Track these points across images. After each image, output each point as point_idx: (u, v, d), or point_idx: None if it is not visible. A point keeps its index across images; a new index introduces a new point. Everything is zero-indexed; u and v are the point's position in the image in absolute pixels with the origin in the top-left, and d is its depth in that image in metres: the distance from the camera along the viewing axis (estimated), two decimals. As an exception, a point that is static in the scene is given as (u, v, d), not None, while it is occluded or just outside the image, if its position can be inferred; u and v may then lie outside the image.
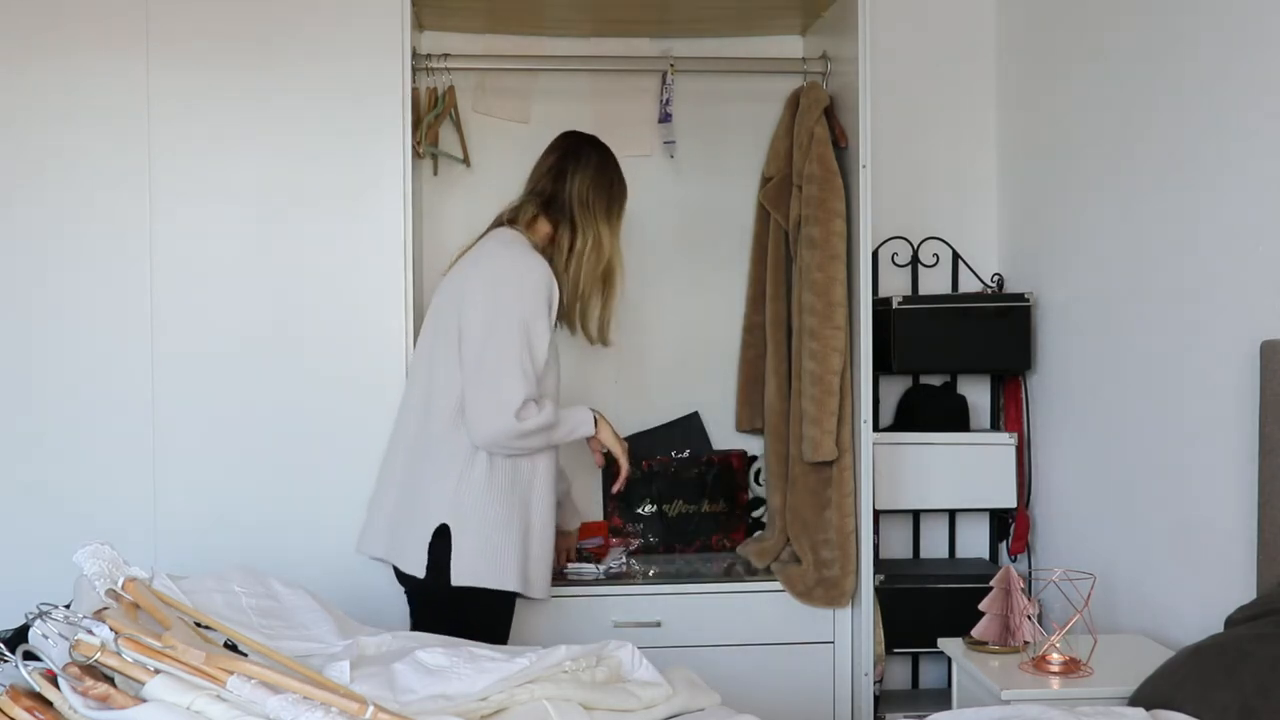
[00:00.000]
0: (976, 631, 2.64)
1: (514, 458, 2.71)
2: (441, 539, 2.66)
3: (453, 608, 2.67)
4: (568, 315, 2.88)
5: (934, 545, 3.64)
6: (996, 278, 3.62)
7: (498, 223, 2.89)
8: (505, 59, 3.49)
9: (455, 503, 2.67)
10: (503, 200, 3.50)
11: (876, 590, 3.19)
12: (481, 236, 2.89)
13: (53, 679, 1.63)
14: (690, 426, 3.58)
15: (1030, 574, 3.39)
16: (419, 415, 2.78)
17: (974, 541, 3.64)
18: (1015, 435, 3.47)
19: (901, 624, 3.26)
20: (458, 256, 2.89)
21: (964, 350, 3.43)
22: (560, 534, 3.04)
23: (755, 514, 3.58)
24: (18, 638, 1.76)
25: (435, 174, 3.48)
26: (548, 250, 2.82)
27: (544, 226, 2.84)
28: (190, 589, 2.18)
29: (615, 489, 3.01)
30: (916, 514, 3.61)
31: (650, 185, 3.60)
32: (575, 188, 2.82)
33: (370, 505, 2.89)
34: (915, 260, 3.62)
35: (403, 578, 2.77)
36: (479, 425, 2.63)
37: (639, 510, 3.48)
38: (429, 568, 2.67)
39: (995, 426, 3.62)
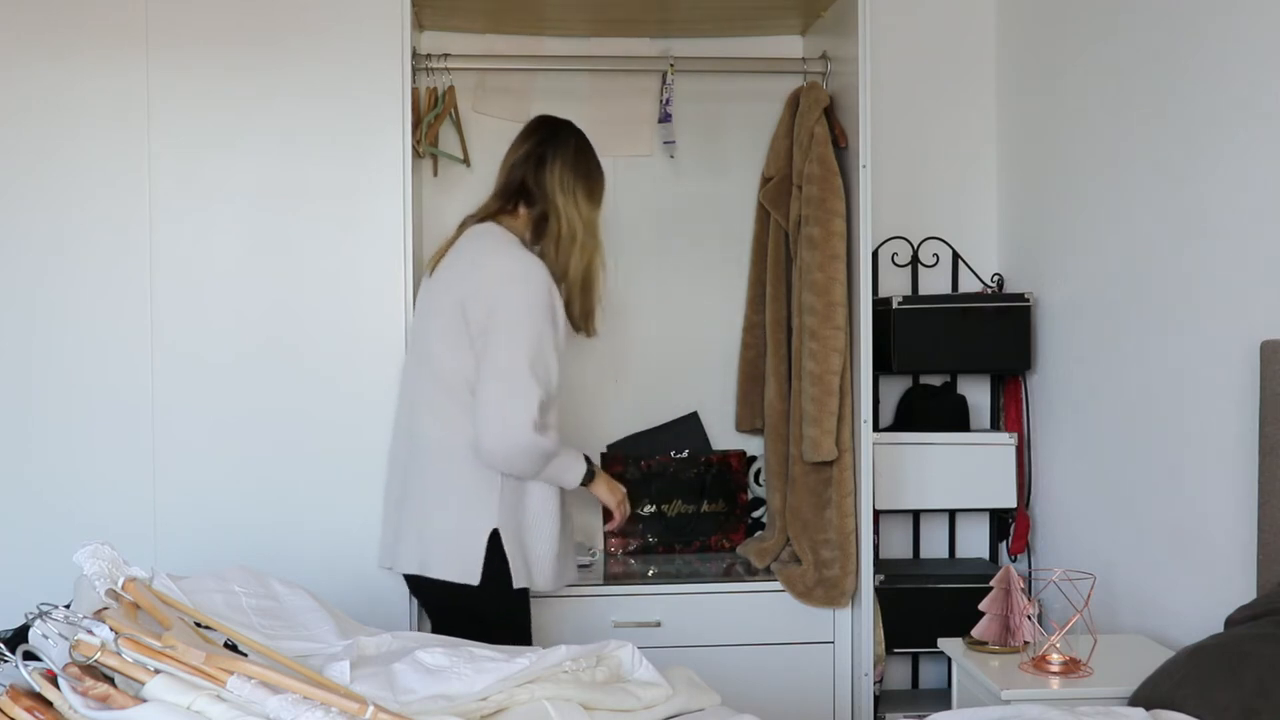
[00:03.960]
0: (976, 631, 2.64)
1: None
2: (495, 545, 2.63)
3: (507, 611, 2.65)
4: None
5: (934, 545, 3.64)
6: (996, 278, 3.62)
7: (478, 218, 2.79)
8: (505, 59, 3.49)
9: (502, 507, 2.64)
10: (503, 200, 3.53)
11: (876, 590, 3.19)
12: (459, 234, 2.79)
13: (53, 679, 1.62)
14: (690, 426, 3.58)
15: (1030, 574, 3.40)
16: (449, 428, 2.67)
17: (974, 541, 3.64)
18: (1015, 435, 3.47)
19: (901, 624, 3.26)
20: (435, 259, 2.80)
21: (964, 350, 3.43)
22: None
23: (755, 514, 3.58)
24: (18, 638, 1.75)
25: (435, 174, 3.48)
26: (527, 239, 2.76)
27: (524, 215, 2.77)
28: (190, 589, 2.18)
29: (608, 528, 3.02)
30: (916, 514, 3.61)
31: (650, 185, 3.61)
32: (555, 174, 2.74)
33: (388, 528, 2.84)
34: (915, 260, 3.62)
35: (440, 590, 2.68)
36: (488, 432, 2.56)
37: (639, 510, 3.48)
38: (484, 574, 2.63)
39: (995, 426, 3.62)
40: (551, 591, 2.87)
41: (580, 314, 2.82)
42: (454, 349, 2.65)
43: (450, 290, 2.68)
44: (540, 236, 2.76)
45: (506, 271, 2.64)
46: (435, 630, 2.79)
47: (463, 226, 2.82)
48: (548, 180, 2.73)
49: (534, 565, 2.71)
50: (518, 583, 2.66)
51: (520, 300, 2.60)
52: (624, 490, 2.91)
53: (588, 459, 2.79)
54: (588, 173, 2.80)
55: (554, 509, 2.73)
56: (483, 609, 2.65)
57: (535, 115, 2.91)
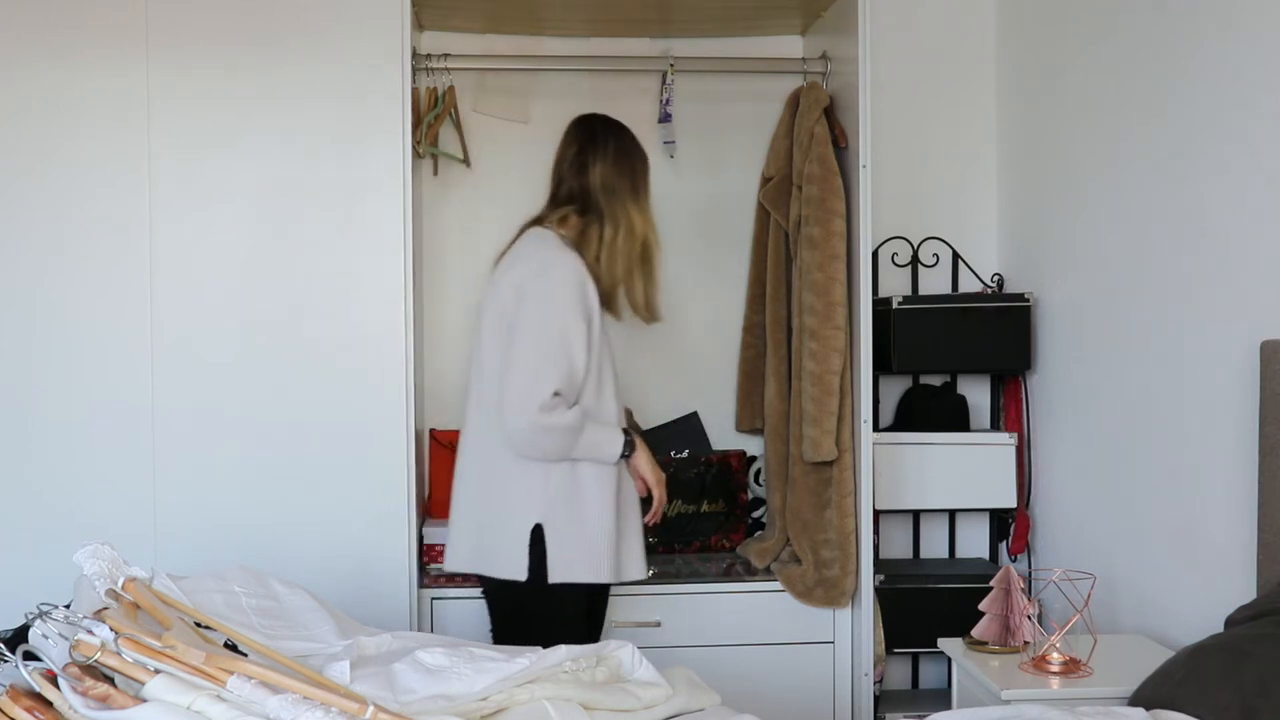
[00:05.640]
0: (976, 631, 2.64)
1: None
2: (537, 539, 2.67)
3: (548, 605, 2.68)
4: (609, 302, 2.83)
5: (934, 545, 3.64)
6: (996, 278, 3.62)
7: (532, 223, 2.86)
8: (505, 59, 3.49)
9: (546, 501, 2.67)
10: (503, 200, 3.53)
11: (876, 590, 3.19)
12: (516, 238, 2.86)
13: (53, 679, 1.63)
14: (690, 426, 3.57)
15: (1030, 574, 3.40)
16: (492, 424, 2.73)
17: (974, 541, 3.64)
18: (1015, 435, 3.47)
19: (901, 624, 3.26)
20: (497, 260, 2.86)
21: (964, 350, 3.43)
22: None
23: (755, 514, 3.58)
24: (18, 638, 1.76)
25: (435, 174, 3.48)
26: (580, 243, 2.80)
27: (574, 221, 2.81)
28: (190, 589, 2.18)
29: (648, 520, 2.87)
30: (916, 514, 3.61)
31: (650, 185, 3.60)
32: (598, 178, 2.79)
33: (450, 523, 2.87)
34: (915, 260, 3.62)
35: (492, 585, 2.76)
36: (507, 417, 2.63)
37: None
38: (530, 569, 2.67)
39: (995, 426, 3.62)
40: (620, 582, 2.83)
41: (643, 302, 2.87)
42: (494, 347, 2.72)
43: (496, 290, 2.76)
44: (586, 238, 2.79)
45: (537, 266, 2.71)
46: (494, 628, 2.84)
47: (522, 231, 2.87)
48: (591, 186, 2.79)
49: (593, 557, 2.71)
50: (555, 577, 2.67)
51: (544, 291, 2.67)
52: (664, 475, 2.87)
53: (628, 433, 2.77)
54: (631, 169, 2.83)
55: (608, 497, 2.72)
56: (530, 604, 2.70)
57: (575, 116, 2.93)
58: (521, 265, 2.74)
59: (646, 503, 2.88)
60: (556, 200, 2.84)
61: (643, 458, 2.80)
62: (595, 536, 2.71)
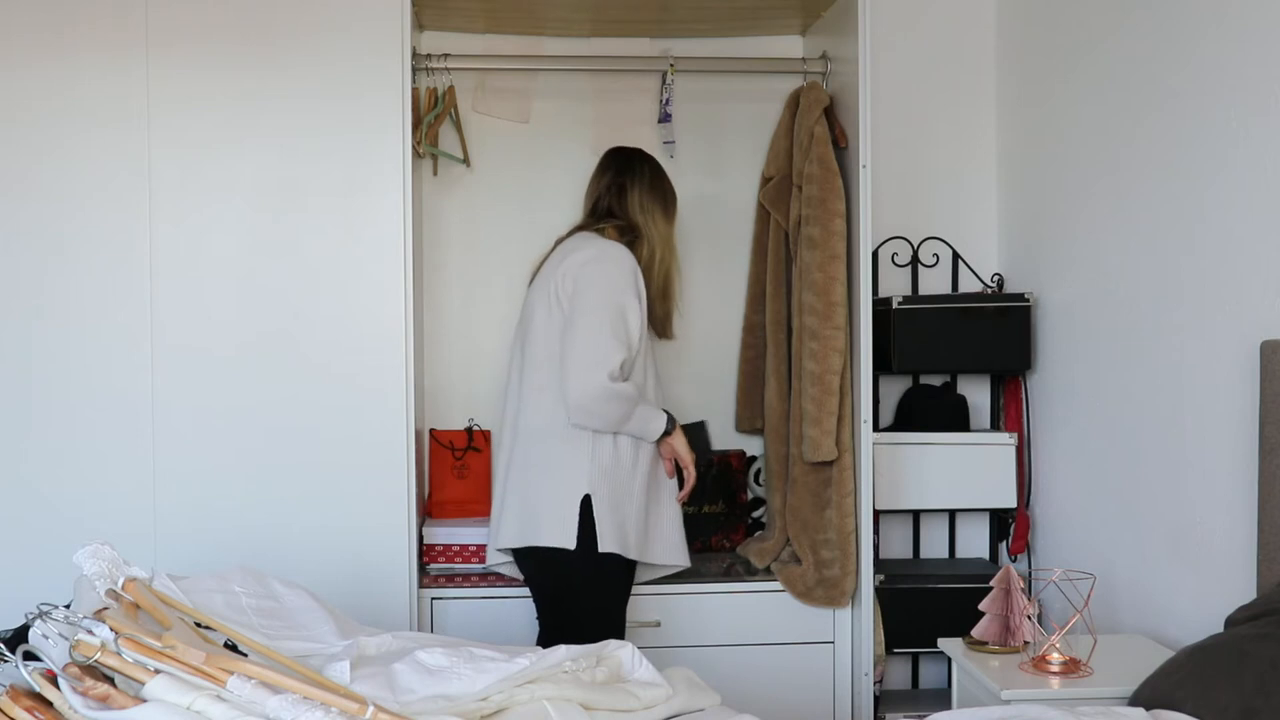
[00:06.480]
0: (976, 631, 2.64)
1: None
2: (585, 509, 2.81)
3: (596, 578, 2.83)
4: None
5: (934, 545, 3.64)
6: (996, 278, 3.62)
7: (571, 230, 3.03)
8: (505, 59, 3.49)
9: (593, 474, 2.82)
10: (503, 200, 3.55)
11: (876, 590, 3.19)
12: (556, 246, 3.01)
13: (53, 679, 1.63)
14: (696, 434, 3.56)
15: (1030, 574, 3.40)
16: (541, 406, 2.87)
17: (974, 541, 3.64)
18: (1015, 435, 3.47)
19: (901, 624, 3.26)
20: (538, 264, 3.02)
21: (964, 350, 3.43)
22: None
23: (755, 514, 3.58)
24: (18, 638, 1.76)
25: (435, 174, 3.48)
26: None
27: (615, 235, 2.99)
28: (190, 589, 2.18)
29: (680, 498, 3.02)
30: (916, 514, 3.61)
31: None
32: (636, 200, 3.02)
33: (495, 507, 2.98)
34: (915, 260, 3.62)
35: (534, 568, 2.89)
36: (573, 385, 2.77)
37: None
38: (578, 538, 2.80)
39: (995, 426, 3.62)
40: (652, 563, 2.96)
41: (660, 319, 3.09)
42: (551, 331, 2.88)
43: (547, 283, 2.92)
44: (638, 257, 2.98)
45: (594, 253, 2.89)
46: (536, 603, 2.94)
47: (560, 240, 3.03)
48: (630, 206, 3.02)
49: (628, 531, 2.85)
50: (604, 546, 2.80)
51: (604, 273, 2.86)
52: (695, 455, 3.05)
53: (669, 414, 2.93)
54: (663, 195, 3.07)
55: (644, 473, 2.90)
56: (576, 575, 2.83)
57: (608, 147, 3.16)
58: (576, 254, 2.89)
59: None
60: (596, 214, 3.04)
61: (680, 440, 2.98)
62: (630, 513, 2.86)
